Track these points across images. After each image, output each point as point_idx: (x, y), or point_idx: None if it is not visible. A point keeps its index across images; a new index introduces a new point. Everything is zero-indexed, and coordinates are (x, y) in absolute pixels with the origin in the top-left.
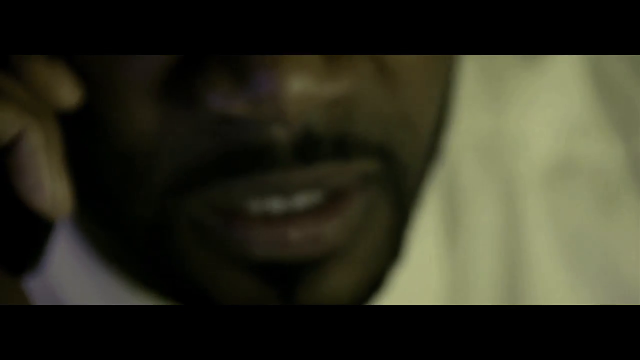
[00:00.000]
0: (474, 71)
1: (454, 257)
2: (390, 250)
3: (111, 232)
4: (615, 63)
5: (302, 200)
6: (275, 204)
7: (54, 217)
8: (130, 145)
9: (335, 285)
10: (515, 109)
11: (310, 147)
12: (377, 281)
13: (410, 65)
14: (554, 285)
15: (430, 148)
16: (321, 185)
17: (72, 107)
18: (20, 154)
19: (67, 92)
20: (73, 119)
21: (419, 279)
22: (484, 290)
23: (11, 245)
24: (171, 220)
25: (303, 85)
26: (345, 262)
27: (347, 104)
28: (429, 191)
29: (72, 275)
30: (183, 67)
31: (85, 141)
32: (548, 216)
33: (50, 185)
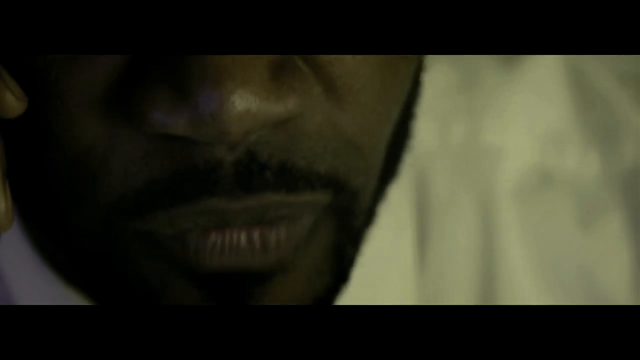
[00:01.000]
0: (448, 79)
1: (427, 271)
2: (335, 270)
3: (56, 239)
4: (595, 69)
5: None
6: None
7: None
8: (77, 159)
9: (280, 300)
10: (491, 118)
11: (254, 174)
12: (322, 300)
13: (361, 88)
14: (528, 299)
15: (386, 169)
16: (263, 220)
17: (15, 115)
18: None
19: (12, 101)
20: (17, 125)
21: (391, 293)
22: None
23: None
24: (117, 234)
25: (246, 105)
26: (290, 278)
27: (292, 128)
28: (400, 202)
29: (25, 283)
30: (126, 81)
31: (31, 149)
32: (523, 229)
33: None
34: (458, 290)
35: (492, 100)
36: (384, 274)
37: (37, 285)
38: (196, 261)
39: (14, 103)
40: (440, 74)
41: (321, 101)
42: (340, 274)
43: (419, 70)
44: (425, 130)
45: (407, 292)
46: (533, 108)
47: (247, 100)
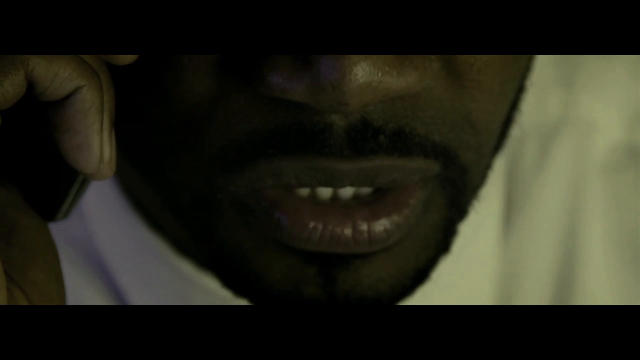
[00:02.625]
0: (543, 56)
1: (511, 240)
2: (440, 245)
3: (156, 194)
4: None
5: (350, 190)
6: (323, 191)
7: (95, 178)
8: (183, 113)
9: (379, 274)
10: (585, 92)
11: (367, 138)
12: (422, 273)
13: (482, 67)
14: (605, 273)
15: (495, 148)
16: (372, 182)
17: (128, 63)
18: (72, 111)
19: None
20: (128, 76)
21: (475, 259)
22: (536, 279)
23: (44, 192)
24: (216, 196)
25: (367, 77)
26: (393, 253)
27: (410, 101)
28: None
29: (110, 228)
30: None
31: (140, 101)
32: (608, 204)
33: (98, 147)
34: (540, 260)
35: (588, 75)
36: (469, 240)
37: (119, 226)
38: (290, 243)
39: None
40: None
41: (441, 76)
42: (444, 246)
43: (531, 59)
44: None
45: (491, 258)
46: (626, 85)
47: (369, 73)
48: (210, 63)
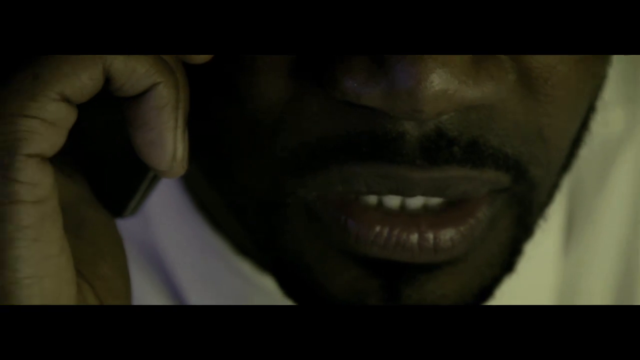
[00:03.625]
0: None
1: (571, 258)
2: (505, 264)
3: (221, 197)
4: None
5: (420, 201)
6: (392, 201)
7: (167, 176)
8: (256, 114)
9: (443, 290)
10: None
11: (441, 148)
12: (486, 291)
13: (557, 82)
14: None
15: (563, 167)
16: (444, 193)
17: (203, 62)
18: (147, 107)
19: None
20: (202, 76)
21: (533, 279)
22: (596, 294)
23: (114, 188)
24: (285, 201)
25: (444, 85)
26: (458, 270)
27: (484, 112)
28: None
29: (170, 225)
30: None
31: (212, 101)
32: None
33: (171, 144)
34: (600, 275)
35: None
36: (530, 255)
37: (180, 224)
38: (356, 248)
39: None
40: None
41: (516, 89)
42: (509, 265)
43: (607, 65)
44: None
45: (551, 274)
46: None
47: (445, 81)
48: (284, 65)
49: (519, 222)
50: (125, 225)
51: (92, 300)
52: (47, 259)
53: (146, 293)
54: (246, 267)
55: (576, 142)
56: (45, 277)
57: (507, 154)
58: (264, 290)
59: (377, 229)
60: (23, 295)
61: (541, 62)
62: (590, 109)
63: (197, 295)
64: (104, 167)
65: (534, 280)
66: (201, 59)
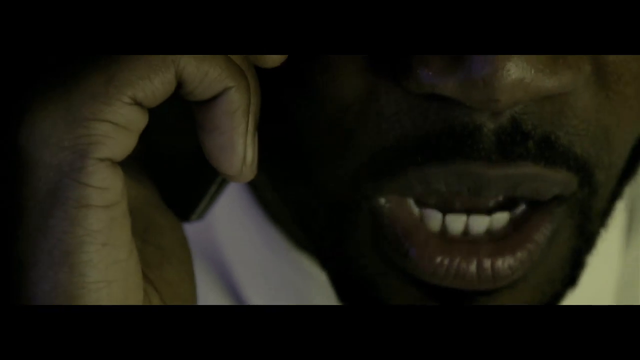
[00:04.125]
0: None
1: (632, 252)
2: (567, 279)
3: (287, 203)
4: None
5: (484, 224)
6: (455, 224)
7: (236, 180)
8: (333, 114)
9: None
10: None
11: (516, 143)
12: (548, 304)
13: (630, 80)
14: None
15: (624, 175)
16: (516, 190)
17: (276, 65)
18: (219, 112)
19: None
20: (275, 78)
21: (595, 274)
22: None
23: (182, 192)
24: (358, 204)
25: (520, 74)
26: (518, 290)
27: (557, 105)
28: None
29: (233, 223)
30: None
31: (284, 102)
32: None
33: (241, 149)
34: None
35: None
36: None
37: (239, 218)
38: (416, 274)
39: (275, 57)
40: None
41: (590, 82)
42: (571, 280)
43: None
44: None
45: (612, 269)
46: None
47: (522, 70)
48: (360, 62)
49: (579, 232)
50: (186, 225)
51: (157, 304)
52: (115, 263)
53: (206, 292)
54: (305, 261)
55: (638, 148)
56: (114, 282)
57: (576, 154)
58: (323, 285)
59: (438, 260)
60: (91, 301)
61: (618, 57)
62: None
63: (257, 292)
64: (173, 171)
65: (596, 276)
66: (273, 61)
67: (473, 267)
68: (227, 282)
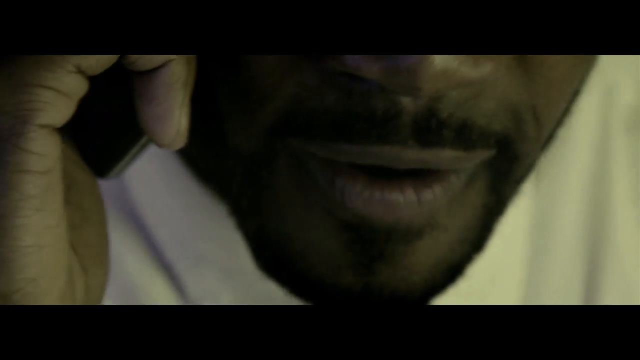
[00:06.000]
0: None
1: (541, 192)
2: (476, 241)
3: (210, 155)
4: None
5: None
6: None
7: (166, 147)
8: (253, 79)
9: (414, 267)
10: (607, 59)
11: (432, 131)
12: (455, 269)
13: (553, 64)
14: (633, 229)
15: (548, 141)
16: (434, 166)
17: None
18: (159, 83)
19: None
20: None
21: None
22: (567, 228)
23: (102, 148)
24: (274, 153)
25: (445, 65)
26: (435, 240)
27: (476, 89)
28: None
29: (149, 179)
30: None
31: (208, 64)
32: (630, 163)
33: (177, 120)
34: (570, 209)
35: None
36: None
37: (159, 178)
38: (342, 203)
39: None
40: None
41: (511, 66)
42: (479, 244)
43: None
44: None
45: (523, 212)
46: None
47: (446, 60)
48: None
49: (493, 189)
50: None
51: (76, 269)
52: (47, 229)
53: (123, 249)
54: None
55: (559, 122)
56: (45, 247)
57: (496, 131)
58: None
59: (363, 184)
60: (21, 264)
61: None
62: (577, 92)
63: (176, 251)
64: (95, 127)
65: (507, 220)
66: None
67: (398, 193)
68: (147, 239)
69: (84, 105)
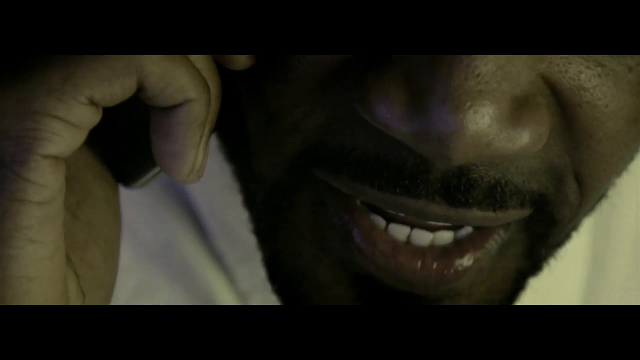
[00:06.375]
0: None
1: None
2: (506, 297)
3: (236, 173)
4: None
5: (427, 239)
6: (398, 232)
7: (181, 182)
8: (283, 107)
9: None
10: None
11: (461, 191)
12: None
13: (603, 136)
14: None
15: (593, 206)
16: (462, 223)
17: (244, 67)
18: (176, 121)
19: (244, 57)
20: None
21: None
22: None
23: (128, 159)
24: (294, 184)
25: (478, 140)
26: (459, 301)
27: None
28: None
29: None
30: (360, 62)
31: (239, 99)
32: None
33: (192, 159)
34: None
35: None
36: None
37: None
38: (355, 260)
39: (245, 59)
40: None
41: (556, 132)
42: (512, 296)
43: None
44: None
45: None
46: None
47: (480, 134)
48: (318, 79)
49: (529, 254)
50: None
51: (73, 292)
52: (40, 261)
53: (177, 235)
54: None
55: (608, 187)
56: (35, 279)
57: (532, 190)
58: None
59: (382, 247)
60: (7, 295)
61: (589, 115)
62: (631, 160)
63: (228, 244)
64: (121, 135)
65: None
66: (241, 62)
67: (417, 264)
68: (199, 228)
69: (113, 113)
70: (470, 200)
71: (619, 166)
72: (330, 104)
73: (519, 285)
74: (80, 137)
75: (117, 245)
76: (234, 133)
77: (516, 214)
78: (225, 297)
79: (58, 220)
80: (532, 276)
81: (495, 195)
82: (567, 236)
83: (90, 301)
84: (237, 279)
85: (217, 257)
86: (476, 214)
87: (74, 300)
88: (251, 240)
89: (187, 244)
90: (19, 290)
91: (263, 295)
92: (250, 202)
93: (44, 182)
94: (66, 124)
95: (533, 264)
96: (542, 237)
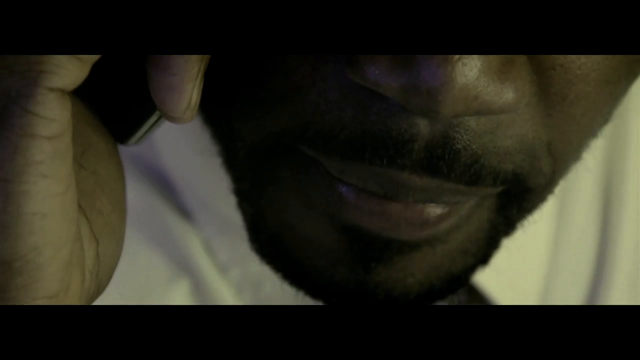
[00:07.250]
0: None
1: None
2: (480, 254)
3: (217, 135)
4: None
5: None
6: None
7: (175, 122)
8: (278, 75)
9: (410, 271)
10: None
11: (444, 160)
12: (455, 279)
13: (575, 98)
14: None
15: (565, 173)
16: (435, 200)
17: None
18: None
19: None
20: None
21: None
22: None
23: (122, 115)
24: (281, 148)
25: (467, 91)
26: (435, 252)
27: (495, 121)
28: None
29: (179, 146)
30: None
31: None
32: None
33: (189, 93)
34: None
35: None
36: None
37: (187, 145)
38: (346, 214)
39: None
40: None
41: (532, 104)
42: (484, 257)
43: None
44: None
45: (540, 256)
46: None
47: (468, 86)
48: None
49: (501, 211)
50: (131, 148)
51: (87, 237)
52: (53, 196)
53: (155, 211)
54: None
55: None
56: (49, 214)
57: (506, 170)
58: None
59: (366, 195)
60: (23, 232)
61: (562, 78)
62: (603, 123)
63: (202, 216)
64: (113, 92)
65: (520, 261)
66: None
67: (402, 206)
68: (178, 205)
69: (104, 70)
70: (452, 173)
71: (590, 128)
72: (320, 78)
73: (492, 241)
74: (84, 69)
75: (123, 197)
76: (219, 90)
77: (490, 190)
78: (205, 267)
79: (68, 155)
80: (506, 236)
81: (473, 171)
82: (542, 200)
83: (103, 248)
84: (216, 250)
85: (197, 231)
86: (451, 187)
87: (88, 244)
88: (229, 212)
89: (165, 213)
90: (34, 226)
91: (242, 267)
92: (231, 162)
93: (52, 116)
94: (70, 55)
95: (505, 221)
96: (514, 201)
